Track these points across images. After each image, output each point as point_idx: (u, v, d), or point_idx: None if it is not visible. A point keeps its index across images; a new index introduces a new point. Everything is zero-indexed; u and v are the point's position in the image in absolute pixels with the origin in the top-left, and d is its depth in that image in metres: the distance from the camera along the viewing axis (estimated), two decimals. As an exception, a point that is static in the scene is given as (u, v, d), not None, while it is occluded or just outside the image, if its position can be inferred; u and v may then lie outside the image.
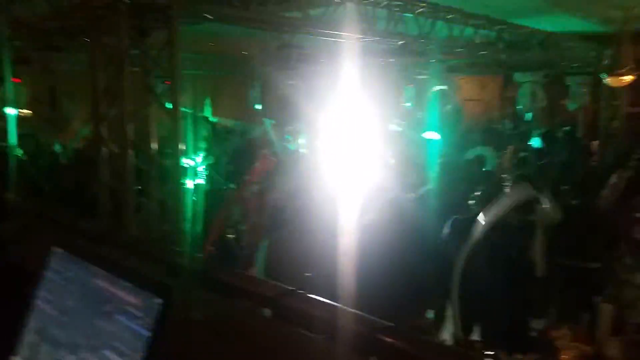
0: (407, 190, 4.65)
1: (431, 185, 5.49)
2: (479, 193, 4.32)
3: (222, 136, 7.66)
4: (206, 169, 5.84)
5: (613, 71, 8.05)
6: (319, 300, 1.63)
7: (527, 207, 4.66)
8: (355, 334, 1.49)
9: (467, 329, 3.99)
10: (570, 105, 9.18)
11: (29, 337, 1.34)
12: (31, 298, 1.37)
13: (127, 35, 3.47)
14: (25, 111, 7.41)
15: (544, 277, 4.82)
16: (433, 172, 5.80)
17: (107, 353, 1.14)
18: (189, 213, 3.53)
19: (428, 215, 4.23)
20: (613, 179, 5.51)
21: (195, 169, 5.00)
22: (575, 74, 8.96)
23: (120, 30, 3.36)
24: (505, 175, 5.57)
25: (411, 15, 5.72)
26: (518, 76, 9.79)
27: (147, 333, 1.10)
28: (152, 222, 3.34)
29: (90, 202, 3.37)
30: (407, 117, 8.41)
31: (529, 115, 10.01)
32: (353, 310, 1.57)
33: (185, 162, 4.26)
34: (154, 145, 3.84)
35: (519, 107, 9.80)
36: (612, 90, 9.25)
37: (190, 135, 3.95)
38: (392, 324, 1.50)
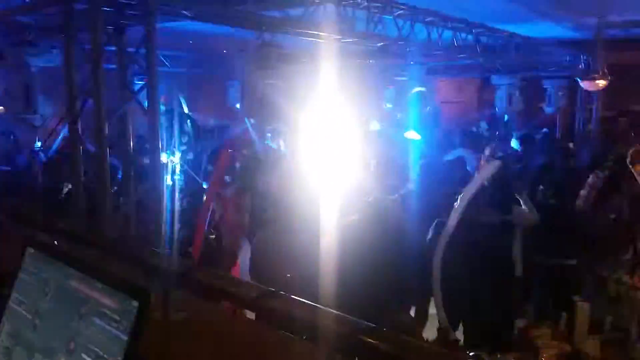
0: (388, 190, 4.66)
1: (411, 185, 5.52)
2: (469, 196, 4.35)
3: (202, 135, 7.59)
4: (184, 168, 5.78)
5: (588, 75, 8.23)
6: (301, 302, 1.61)
7: (505, 207, 4.72)
8: (337, 335, 1.47)
9: (452, 320, 4.00)
10: (547, 109, 9.33)
11: (2, 340, 1.29)
12: (4, 300, 1.32)
13: (103, 32, 3.40)
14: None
15: (523, 276, 4.89)
16: (413, 173, 5.83)
17: (84, 357, 1.11)
18: (167, 212, 3.48)
19: (409, 216, 4.25)
20: (590, 179, 5.61)
21: (173, 167, 4.95)
22: (551, 77, 9.11)
23: (96, 26, 3.29)
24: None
25: (390, 17, 5.74)
26: (495, 79, 9.91)
27: (124, 337, 1.06)
28: (129, 221, 3.28)
29: (67, 201, 3.29)
30: (387, 118, 8.44)
31: (506, 118, 10.15)
32: (335, 312, 1.55)
33: (164, 160, 4.20)
34: (131, 143, 3.78)
35: (497, 109, 9.93)
36: (588, 94, 9.44)
37: (169, 133, 3.90)
38: (375, 325, 1.48)
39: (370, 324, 1.50)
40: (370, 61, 7.22)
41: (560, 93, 9.03)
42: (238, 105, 6.80)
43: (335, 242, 3.80)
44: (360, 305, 3.41)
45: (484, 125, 9.85)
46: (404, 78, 7.59)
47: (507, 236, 4.63)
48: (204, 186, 5.12)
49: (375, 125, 7.31)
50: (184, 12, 4.22)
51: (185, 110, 7.47)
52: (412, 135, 7.29)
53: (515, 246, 4.70)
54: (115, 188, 3.52)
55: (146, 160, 3.65)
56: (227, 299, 1.70)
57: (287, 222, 3.62)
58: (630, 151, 4.74)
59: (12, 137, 6.95)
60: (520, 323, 4.66)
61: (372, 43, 5.83)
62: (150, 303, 1.07)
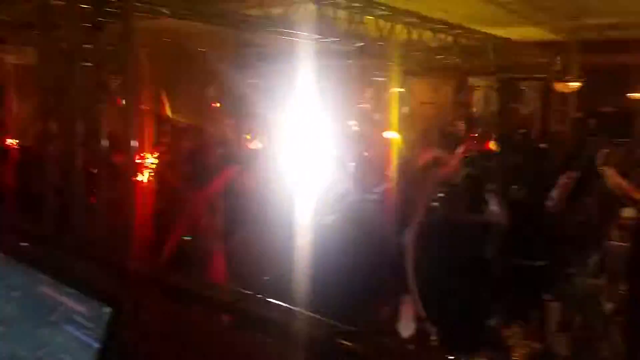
0: (366, 190, 4.67)
1: (389, 185, 5.54)
2: (441, 195, 4.39)
3: (178, 134, 7.50)
4: (158, 168, 5.70)
5: (562, 77, 8.38)
6: (278, 305, 1.60)
7: (476, 207, 4.78)
8: (315, 338, 1.47)
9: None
10: (523, 110, 9.48)
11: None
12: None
13: (79, 29, 3.34)
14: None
15: (495, 276, 4.96)
16: (391, 173, 5.86)
17: (53, 365, 1.09)
18: (140, 214, 3.44)
19: (388, 216, 4.27)
20: (561, 180, 5.71)
21: (149, 168, 4.88)
22: (527, 79, 9.26)
23: (72, 24, 3.23)
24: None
25: (371, 17, 5.76)
26: (472, 80, 10.03)
27: (96, 344, 1.05)
28: (101, 223, 3.22)
29: (38, 202, 3.21)
30: (365, 118, 8.47)
31: (482, 119, 10.27)
32: (313, 315, 1.54)
33: (139, 160, 4.13)
34: (104, 143, 3.70)
35: (473, 110, 10.06)
36: (561, 95, 9.61)
37: (145, 133, 3.84)
38: (354, 328, 1.48)
39: (350, 327, 1.50)
40: (350, 61, 7.24)
41: (535, 94, 9.18)
42: (217, 104, 6.75)
43: (313, 242, 3.80)
44: (338, 305, 3.42)
45: (460, 125, 9.96)
46: (382, 78, 7.63)
47: (479, 236, 4.68)
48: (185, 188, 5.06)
49: (354, 125, 7.33)
50: (163, 9, 4.17)
51: (167, 109, 7.37)
52: (390, 135, 7.33)
53: (487, 246, 4.76)
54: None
55: (120, 160, 3.59)
56: (203, 303, 1.68)
57: (265, 223, 3.61)
58: (602, 153, 4.83)
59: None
60: (491, 322, 4.74)
61: (352, 43, 5.84)
62: (123, 309, 1.06)
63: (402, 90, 6.36)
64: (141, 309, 1.45)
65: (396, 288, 4.37)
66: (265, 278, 3.06)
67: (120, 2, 3.56)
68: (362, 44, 5.90)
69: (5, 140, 6.31)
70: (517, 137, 8.53)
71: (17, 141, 6.06)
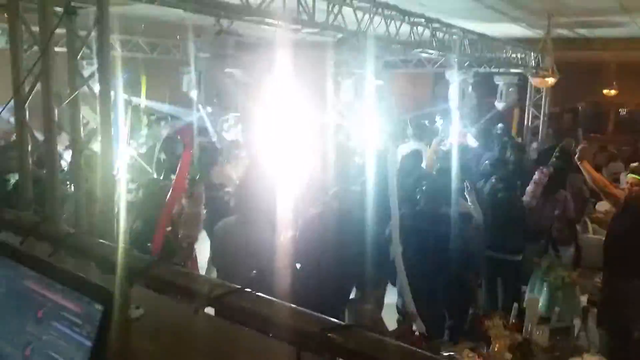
0: (349, 182, 4.67)
1: (369, 177, 5.54)
2: (423, 187, 4.41)
3: (153, 123, 7.36)
4: (136, 158, 5.59)
5: (538, 73, 8.50)
6: (268, 299, 1.56)
7: (450, 199, 4.82)
8: (305, 333, 1.44)
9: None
10: (498, 104, 9.59)
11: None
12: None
13: (52, 12, 3.20)
14: None
15: (475, 268, 5.02)
16: (372, 165, 5.85)
17: (43, 364, 1.03)
18: (118, 204, 3.34)
19: (368, 207, 4.25)
20: (535, 176, 5.81)
21: (126, 157, 4.76)
22: (503, 74, 9.36)
23: (45, 8, 3.10)
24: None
25: (350, 9, 5.72)
26: (449, 74, 10.09)
27: (88, 342, 0.99)
28: (79, 214, 3.12)
29: (14, 192, 3.10)
30: (345, 110, 8.45)
31: (458, 113, 10.35)
32: (302, 309, 1.51)
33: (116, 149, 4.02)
34: (81, 132, 3.59)
35: (449, 104, 10.11)
36: (537, 90, 9.76)
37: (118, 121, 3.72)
38: (344, 323, 1.46)
39: (339, 321, 1.48)
40: (329, 53, 7.20)
41: (510, 89, 9.28)
42: (194, 93, 6.63)
43: (298, 234, 3.78)
44: (324, 296, 3.41)
45: (438, 119, 10.04)
46: (361, 71, 7.59)
47: (455, 228, 4.71)
48: (155, 176, 4.97)
49: (334, 118, 7.30)
50: (138, -5, 4.05)
51: (143, 97, 7.22)
52: (371, 127, 7.31)
53: (464, 239, 4.80)
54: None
55: (96, 149, 3.48)
56: (191, 296, 1.63)
57: (247, 215, 3.56)
58: (579, 147, 4.91)
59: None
60: (470, 311, 4.80)
61: (331, 35, 5.79)
62: (114, 307, 1.00)
63: (381, 83, 6.35)
64: (126, 300, 1.39)
65: (381, 276, 4.39)
66: (254, 272, 3.02)
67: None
68: (340, 35, 5.85)
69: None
70: (495, 132, 8.64)
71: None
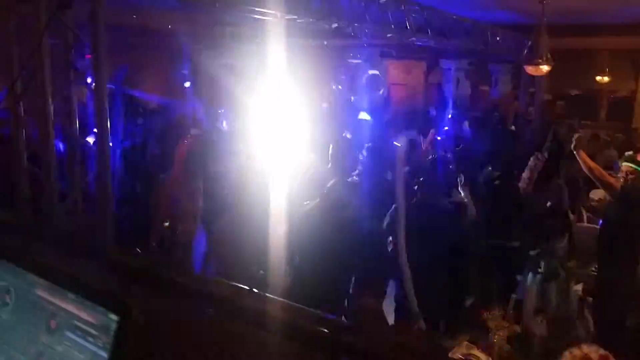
0: (345, 173, 4.65)
1: (362, 168, 5.53)
2: (421, 179, 4.40)
3: (146, 115, 7.28)
4: (129, 152, 5.52)
5: (532, 60, 8.48)
6: (277, 300, 1.55)
7: (445, 191, 4.83)
8: (316, 334, 1.43)
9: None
10: (492, 92, 9.59)
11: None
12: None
13: (45, 5, 3.14)
14: None
15: (471, 257, 5.04)
16: (363, 155, 5.84)
17: (58, 377, 1.01)
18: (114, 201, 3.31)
19: (364, 199, 4.25)
20: (531, 161, 5.82)
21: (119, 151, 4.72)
22: (497, 62, 9.34)
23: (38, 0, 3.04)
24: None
25: (345, -4, 5.68)
26: (443, 62, 10.08)
27: (104, 354, 0.98)
28: (77, 211, 3.08)
29: (8, 190, 3.05)
30: (339, 99, 8.42)
31: (453, 101, 10.36)
32: (311, 310, 1.50)
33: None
34: (76, 126, 3.54)
35: (444, 92, 10.13)
36: (530, 78, 9.75)
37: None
38: (353, 323, 1.46)
39: (348, 322, 1.48)
40: (325, 42, 7.14)
41: (504, 77, 9.28)
42: (187, 84, 6.55)
43: (296, 227, 3.76)
44: (322, 289, 3.41)
45: (432, 109, 10.03)
46: (357, 60, 7.56)
47: (452, 219, 4.72)
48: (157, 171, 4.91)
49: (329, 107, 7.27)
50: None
51: (140, 90, 7.14)
52: (364, 116, 7.30)
53: (460, 228, 4.81)
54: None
55: (91, 144, 3.44)
56: (198, 298, 1.61)
57: (247, 209, 3.53)
58: (575, 137, 4.92)
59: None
60: (467, 301, 4.83)
61: (327, 23, 5.73)
62: (132, 316, 0.99)
63: (376, 72, 6.32)
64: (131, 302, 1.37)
65: (380, 269, 4.39)
66: (261, 272, 3.00)
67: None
68: (336, 24, 5.79)
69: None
70: (491, 120, 8.65)
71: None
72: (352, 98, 8.15)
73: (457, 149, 7.23)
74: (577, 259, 5.28)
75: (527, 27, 9.21)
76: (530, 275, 5.12)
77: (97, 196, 3.14)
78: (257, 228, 3.43)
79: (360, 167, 5.67)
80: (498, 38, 8.73)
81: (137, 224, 3.90)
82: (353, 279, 3.84)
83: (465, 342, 3.51)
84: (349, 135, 6.74)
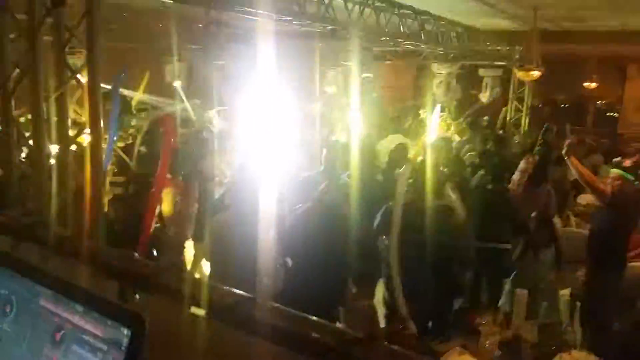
0: (337, 174, 4.63)
1: (356, 171, 5.51)
2: (411, 181, 4.40)
3: (135, 113, 7.18)
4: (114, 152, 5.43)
5: (523, 66, 8.55)
6: (271, 305, 1.54)
7: (438, 193, 4.83)
8: (323, 345, 1.42)
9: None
10: (483, 97, 9.65)
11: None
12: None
13: (40, 3, 3.10)
14: None
15: (462, 259, 5.04)
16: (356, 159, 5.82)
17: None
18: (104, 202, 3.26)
19: (360, 201, 4.23)
20: (521, 164, 5.85)
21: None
22: (488, 67, 9.41)
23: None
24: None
25: (341, 0, 5.68)
26: (435, 67, 10.11)
27: (115, 368, 0.95)
28: (69, 213, 3.03)
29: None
30: (332, 102, 8.42)
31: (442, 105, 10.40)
32: (318, 320, 1.49)
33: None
34: (68, 126, 3.49)
35: (435, 97, 10.17)
36: (520, 83, 9.84)
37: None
38: (345, 329, 1.45)
39: (355, 333, 1.46)
40: (320, 44, 7.14)
41: (495, 82, 9.34)
42: (178, 83, 6.48)
43: (289, 229, 3.74)
44: (315, 291, 3.39)
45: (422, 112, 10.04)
46: (350, 63, 7.56)
47: (443, 220, 4.72)
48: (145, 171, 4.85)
49: (321, 110, 7.25)
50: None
51: (141, 90, 7.03)
52: (356, 119, 7.29)
53: (453, 230, 4.81)
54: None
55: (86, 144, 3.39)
56: (200, 305, 1.59)
57: (243, 210, 3.50)
58: (566, 143, 4.96)
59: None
60: (456, 304, 4.84)
61: (321, 26, 5.74)
62: (145, 330, 0.96)
63: (370, 75, 6.31)
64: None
65: (371, 270, 4.38)
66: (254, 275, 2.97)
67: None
68: (331, 27, 5.79)
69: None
70: (482, 125, 8.70)
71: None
72: (345, 101, 8.17)
73: (446, 152, 7.25)
74: (562, 271, 5.31)
75: (518, 32, 9.29)
76: (518, 282, 5.15)
77: (90, 197, 3.10)
78: (251, 230, 3.41)
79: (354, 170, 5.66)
80: (489, 43, 8.79)
81: (128, 225, 3.85)
82: (347, 280, 3.83)
83: (457, 348, 3.52)
84: (341, 138, 6.72)
